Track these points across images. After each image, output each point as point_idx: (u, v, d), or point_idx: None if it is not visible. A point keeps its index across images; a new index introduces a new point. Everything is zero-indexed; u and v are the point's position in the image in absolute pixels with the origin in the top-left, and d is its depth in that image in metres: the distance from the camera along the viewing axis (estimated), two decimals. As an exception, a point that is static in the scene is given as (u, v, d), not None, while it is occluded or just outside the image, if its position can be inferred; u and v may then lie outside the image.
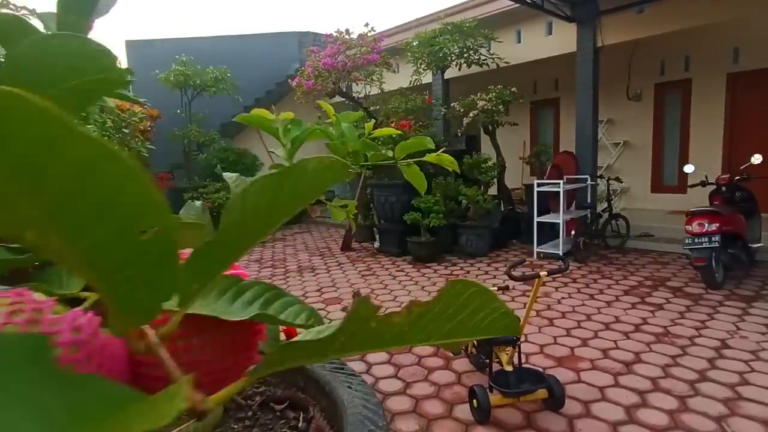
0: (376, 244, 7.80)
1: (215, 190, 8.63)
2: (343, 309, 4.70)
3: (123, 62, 9.94)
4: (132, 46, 9.99)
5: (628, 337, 3.70)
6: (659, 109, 8.39)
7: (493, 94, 6.99)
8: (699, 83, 7.93)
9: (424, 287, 5.35)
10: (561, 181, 6.16)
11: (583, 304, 4.51)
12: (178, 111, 8.92)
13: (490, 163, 7.24)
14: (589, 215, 6.49)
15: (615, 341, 3.64)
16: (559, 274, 4.36)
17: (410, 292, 5.20)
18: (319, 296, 5.24)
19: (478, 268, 6.07)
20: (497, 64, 7.97)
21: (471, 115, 6.93)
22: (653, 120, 8.47)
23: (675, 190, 8.28)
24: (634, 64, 8.43)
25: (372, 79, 6.63)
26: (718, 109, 7.76)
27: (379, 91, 6.79)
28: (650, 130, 8.52)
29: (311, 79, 6.10)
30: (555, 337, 3.76)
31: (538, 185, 6.42)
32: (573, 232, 5.97)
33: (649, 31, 6.83)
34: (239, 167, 9.21)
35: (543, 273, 2.54)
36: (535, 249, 6.47)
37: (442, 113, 8.14)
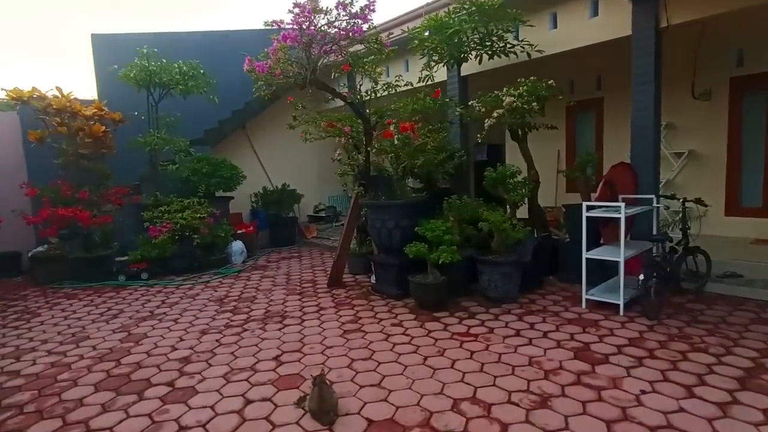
0: (372, 279, 6.16)
1: (180, 208, 7.12)
2: (298, 402, 3.05)
3: (89, 58, 8.63)
4: (99, 40, 8.70)
5: None
6: (736, 110, 6.60)
7: (524, 88, 5.34)
8: (792, 76, 6.15)
9: (427, 359, 3.66)
10: (622, 204, 4.44)
11: (682, 410, 2.77)
12: (137, 113, 7.47)
13: (519, 178, 5.56)
14: (661, 250, 4.71)
15: None
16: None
17: (405, 368, 3.53)
18: (274, 369, 3.61)
19: (506, 324, 4.36)
20: (528, 54, 6.33)
21: (495, 115, 5.29)
22: (728, 124, 6.68)
23: (758, 213, 6.45)
24: (702, 54, 6.68)
25: (362, 68, 5.04)
26: (820, 108, 5.95)
27: (373, 83, 5.17)
28: (724, 137, 6.72)
29: (268, 60, 4.49)
30: (657, 503, 2.05)
31: (589, 208, 4.72)
32: (642, 276, 4.22)
33: (731, 4, 5.10)
34: (214, 180, 7.73)
35: None
36: (584, 295, 4.74)
37: (458, 114, 6.50)
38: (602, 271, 5.33)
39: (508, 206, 5.94)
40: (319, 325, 4.59)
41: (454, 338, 4.07)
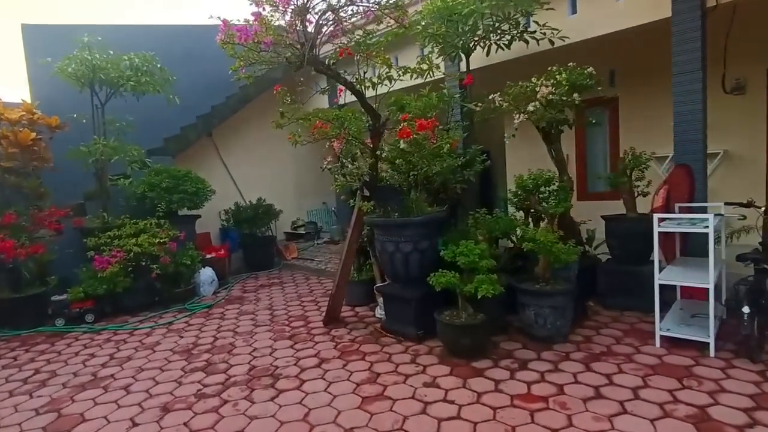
0: (379, 313, 5.05)
1: (134, 232, 5.79)
2: None
3: (20, 51, 7.20)
4: (31, 32, 7.27)
5: None
6: (777, 104, 5.92)
7: (563, 75, 4.40)
8: (841, 64, 5.50)
9: (494, 446, 2.58)
10: (710, 215, 3.52)
11: None
12: (75, 116, 6.10)
13: (555, 186, 4.61)
14: (755, 271, 3.80)
15: None
16: None
17: (471, 466, 2.43)
18: (275, 479, 2.44)
19: (575, 378, 3.33)
20: (551, 41, 5.44)
21: (531, 108, 4.32)
22: (767, 120, 5.99)
23: (806, 219, 5.73)
24: (733, 41, 5.96)
25: (364, 52, 3.95)
26: None
27: (385, 69, 4.09)
28: (763, 135, 6.01)
29: (251, 26, 3.30)
30: None
31: (661, 221, 3.79)
32: (746, 308, 3.28)
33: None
34: (176, 196, 6.42)
35: None
36: (657, 330, 3.78)
37: (471, 111, 5.50)
38: (640, 289, 4.47)
39: (530, 219, 5.03)
40: (325, 389, 3.43)
41: (517, 405, 3.00)
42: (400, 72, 4.17)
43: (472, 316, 3.85)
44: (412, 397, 3.21)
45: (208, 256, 7.05)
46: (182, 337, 4.88)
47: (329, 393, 3.37)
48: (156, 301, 6.01)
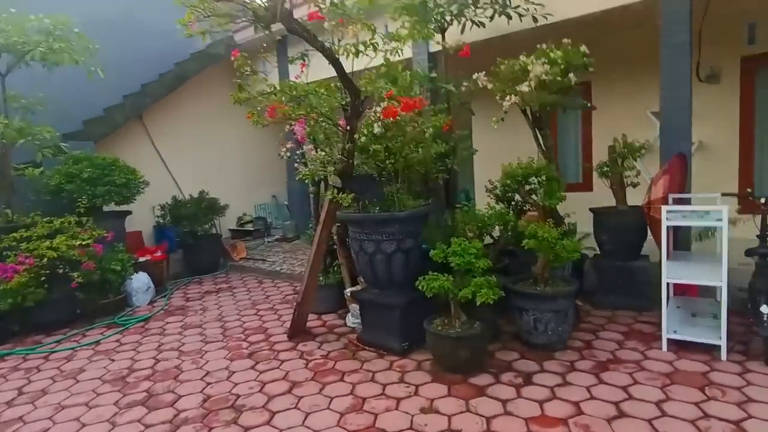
0: (351, 321, 4.44)
1: (48, 233, 4.76)
2: None
3: None
4: None
5: None
6: (748, 93, 5.89)
7: (558, 53, 3.99)
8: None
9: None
10: (724, 207, 3.24)
11: None
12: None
13: (546, 175, 4.20)
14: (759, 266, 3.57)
15: None
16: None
17: None
18: None
19: (589, 392, 2.92)
20: (534, 18, 5.04)
21: (526, 88, 3.85)
22: (740, 110, 5.94)
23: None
24: (707, 30, 5.88)
25: (341, 13, 3.31)
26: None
27: (371, 34, 3.46)
28: (735, 125, 5.99)
29: None
30: None
31: (670, 215, 3.47)
32: (765, 308, 3.02)
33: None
34: (101, 188, 5.39)
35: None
36: (665, 333, 3.47)
37: (448, 92, 4.99)
38: (632, 287, 4.26)
39: (512, 212, 4.63)
40: (303, 423, 2.79)
41: (535, 431, 2.54)
42: (386, 39, 3.55)
43: (468, 325, 3.36)
44: (411, 428, 2.66)
45: (142, 259, 6.08)
46: (113, 360, 4.01)
47: (308, 428, 2.74)
48: (78, 315, 5.04)
